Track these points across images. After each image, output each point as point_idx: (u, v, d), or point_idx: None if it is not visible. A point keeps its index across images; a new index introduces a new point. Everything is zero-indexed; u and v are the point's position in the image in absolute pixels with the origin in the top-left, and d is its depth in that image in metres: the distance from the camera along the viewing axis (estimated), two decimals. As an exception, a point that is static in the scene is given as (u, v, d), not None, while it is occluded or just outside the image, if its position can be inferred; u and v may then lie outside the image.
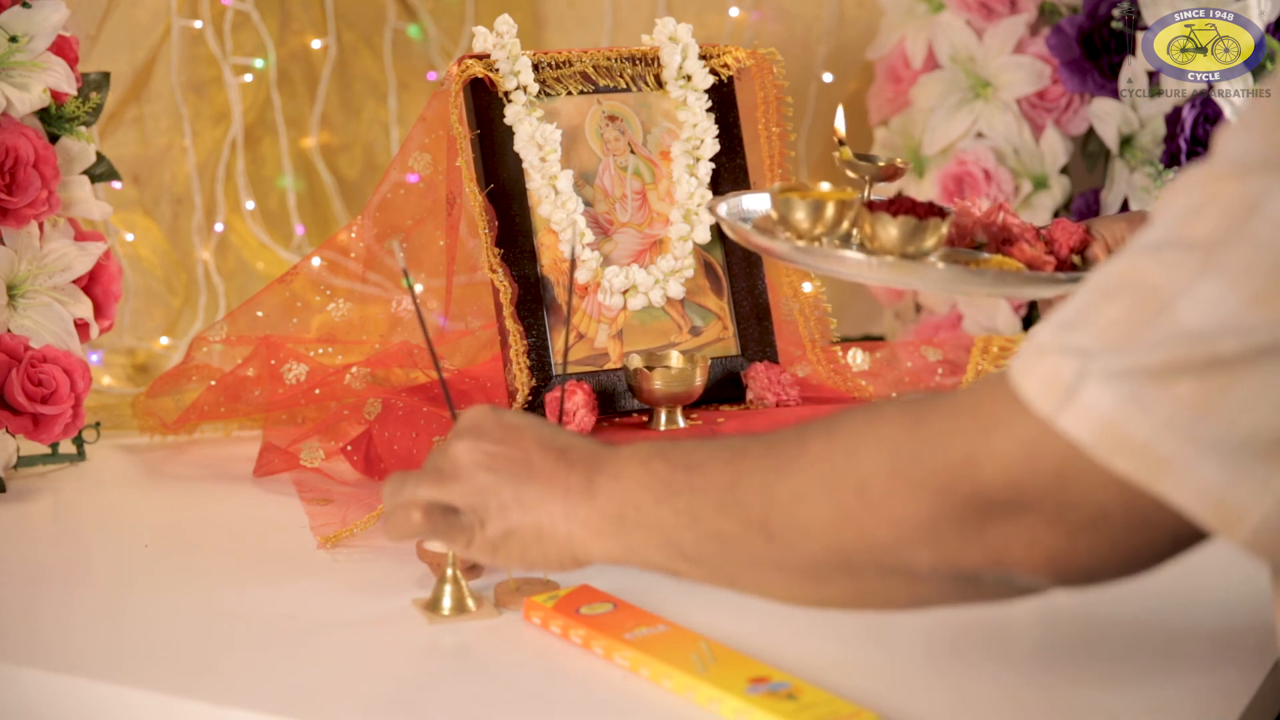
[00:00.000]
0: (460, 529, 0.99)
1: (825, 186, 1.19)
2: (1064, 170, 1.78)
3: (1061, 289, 1.15)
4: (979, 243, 1.21)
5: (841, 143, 1.26)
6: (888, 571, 0.85)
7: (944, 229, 1.15)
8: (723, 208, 1.24)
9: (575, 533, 0.96)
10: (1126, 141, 1.70)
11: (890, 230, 1.14)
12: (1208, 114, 1.64)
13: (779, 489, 0.87)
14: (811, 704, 0.94)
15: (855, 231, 1.19)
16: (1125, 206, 1.70)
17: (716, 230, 1.43)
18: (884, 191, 1.29)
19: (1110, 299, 0.77)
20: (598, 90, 1.43)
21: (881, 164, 1.23)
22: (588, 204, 1.40)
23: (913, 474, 0.82)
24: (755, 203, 1.27)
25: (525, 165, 1.38)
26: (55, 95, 1.46)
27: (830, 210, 1.15)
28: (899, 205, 1.15)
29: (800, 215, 1.15)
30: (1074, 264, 1.19)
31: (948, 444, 0.81)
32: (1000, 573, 0.82)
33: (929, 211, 1.14)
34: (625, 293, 1.39)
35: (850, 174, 1.23)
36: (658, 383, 1.34)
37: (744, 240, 1.21)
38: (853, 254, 1.16)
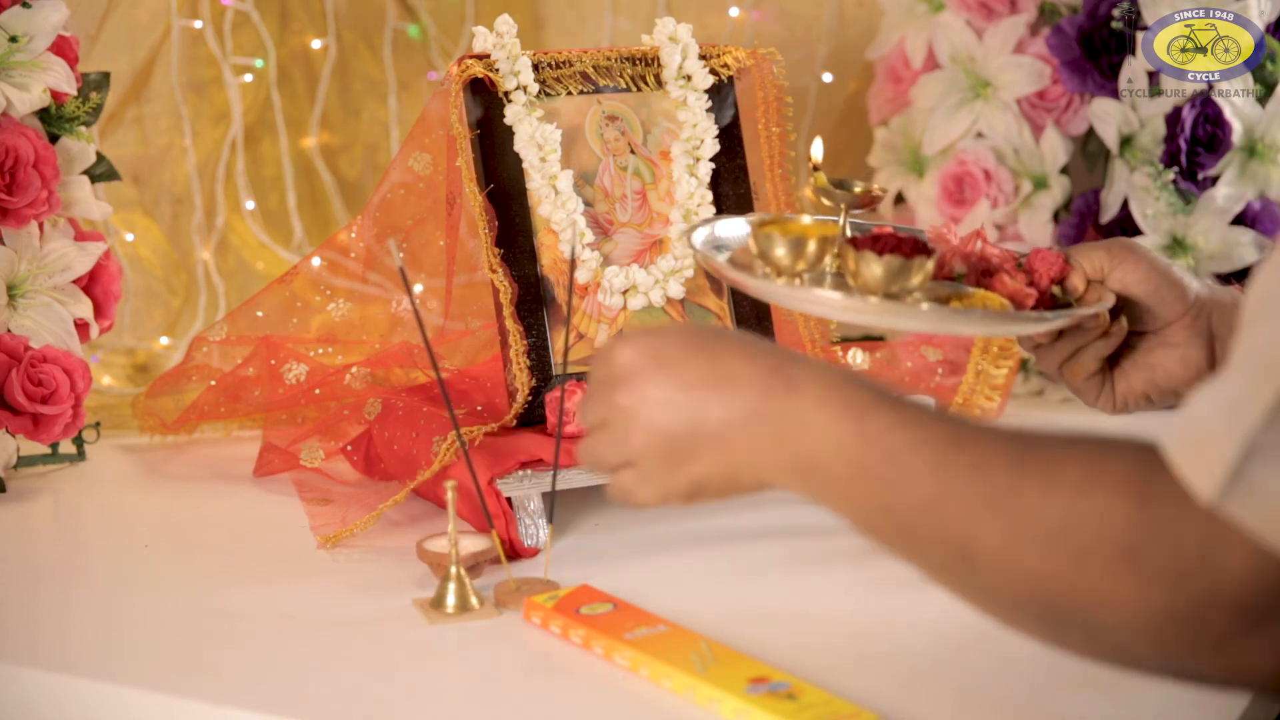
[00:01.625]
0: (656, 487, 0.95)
1: (805, 220, 1.16)
2: (1064, 170, 1.78)
3: (1046, 326, 1.12)
4: (957, 273, 1.18)
5: (816, 169, 1.22)
6: (1094, 638, 0.80)
7: (929, 266, 1.11)
8: (699, 236, 1.20)
9: (763, 472, 0.90)
10: (1126, 141, 1.70)
11: (875, 269, 1.09)
12: (1208, 114, 1.64)
13: (985, 525, 0.81)
14: (811, 704, 0.94)
15: (835, 264, 1.15)
16: (1125, 206, 1.70)
17: (716, 230, 1.43)
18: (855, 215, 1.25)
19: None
20: (598, 90, 1.43)
21: (858, 191, 1.19)
22: (588, 204, 1.40)
23: (1140, 561, 0.75)
24: (731, 229, 1.22)
25: (525, 165, 1.38)
26: (55, 95, 1.46)
27: (812, 247, 1.11)
28: (883, 243, 1.10)
29: (781, 251, 1.11)
30: (1054, 295, 1.17)
31: (1181, 533, 0.74)
32: (1232, 679, 0.77)
33: (914, 248, 1.11)
34: (625, 293, 1.39)
35: (825, 201, 1.18)
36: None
37: (719, 275, 1.16)
38: (835, 295, 1.12)
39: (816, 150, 1.25)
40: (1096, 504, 0.77)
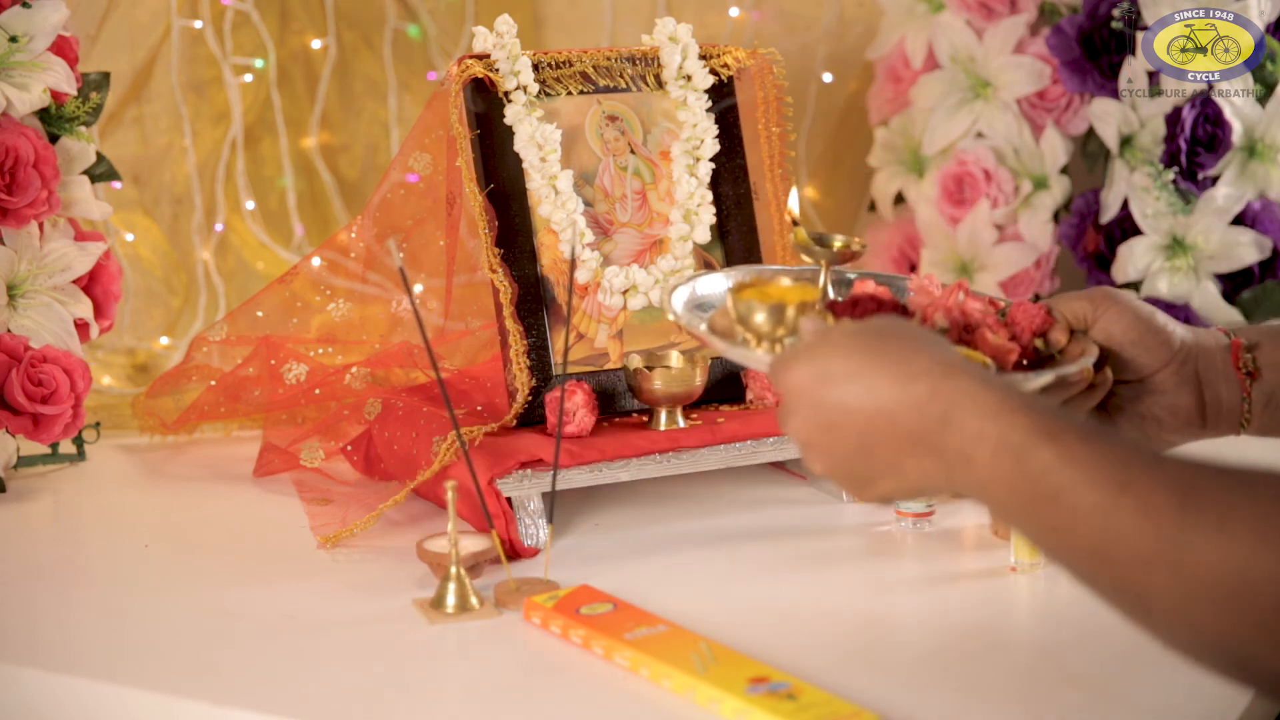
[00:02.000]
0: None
1: (784, 281, 1.11)
2: (1064, 170, 1.78)
3: (1030, 386, 1.11)
4: (940, 328, 1.16)
5: (795, 223, 1.19)
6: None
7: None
8: (678, 298, 1.16)
9: (941, 486, 0.90)
10: (1126, 141, 1.70)
11: None
12: (1208, 114, 1.64)
13: (1157, 575, 0.78)
14: (811, 704, 0.94)
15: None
16: (1125, 206, 1.70)
17: (716, 230, 1.43)
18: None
19: None
20: (598, 90, 1.43)
21: (838, 247, 1.15)
22: (588, 204, 1.40)
23: None
24: (712, 285, 1.18)
25: (525, 165, 1.38)
26: (55, 95, 1.46)
27: (791, 313, 1.07)
28: (863, 307, 1.08)
29: (760, 318, 1.07)
30: (1038, 349, 1.14)
31: None
32: None
33: (893, 310, 1.09)
34: (625, 293, 1.39)
35: (805, 258, 1.15)
36: (658, 383, 1.34)
37: (698, 339, 1.13)
38: None
39: (793, 203, 1.23)
40: (1270, 556, 0.75)
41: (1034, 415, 0.85)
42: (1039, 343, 1.15)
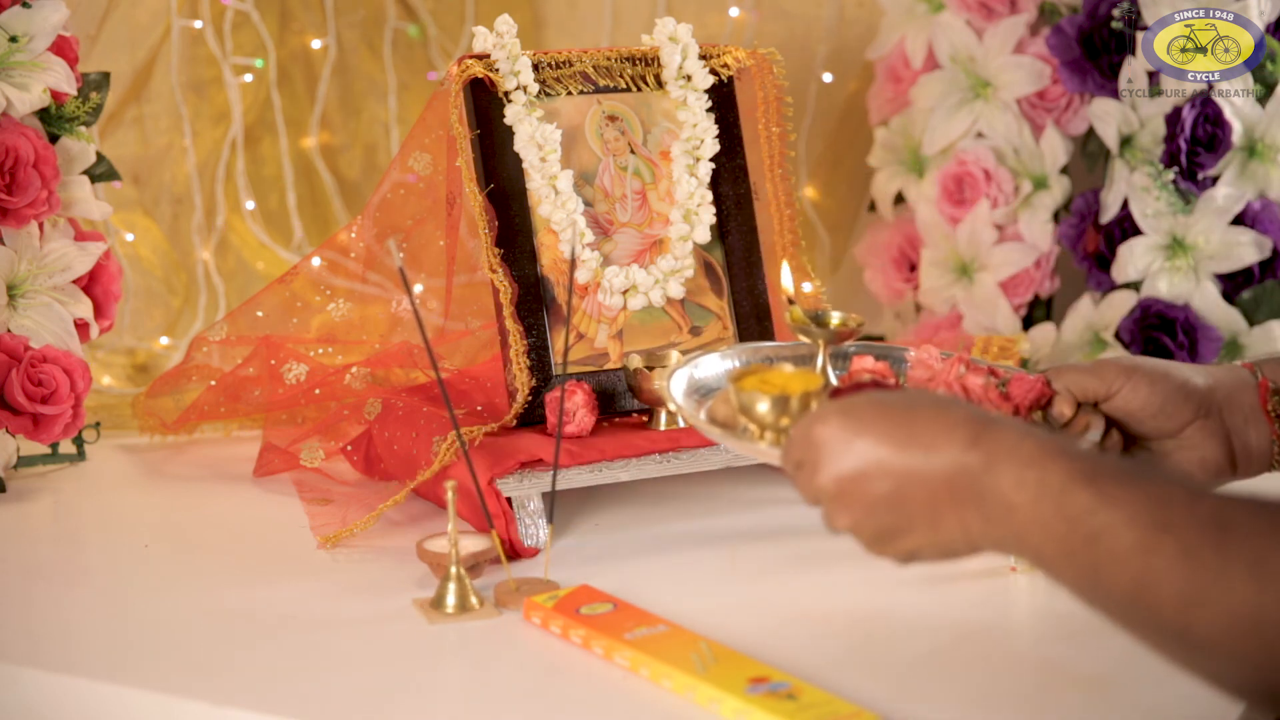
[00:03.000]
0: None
1: (786, 367, 1.09)
2: (1064, 170, 1.78)
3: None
4: None
5: (791, 301, 1.17)
6: None
7: None
8: (677, 385, 1.13)
9: (975, 542, 0.89)
10: (1126, 141, 1.70)
11: None
12: (1208, 114, 1.64)
13: (1198, 615, 0.79)
14: (811, 704, 0.94)
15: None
16: (1125, 206, 1.70)
17: (716, 230, 1.43)
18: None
19: None
20: (598, 90, 1.43)
21: (835, 325, 1.14)
22: (588, 204, 1.40)
23: None
24: (712, 367, 1.17)
25: (525, 165, 1.38)
26: (55, 95, 1.46)
27: (795, 404, 1.05)
28: (866, 391, 1.05)
29: (764, 409, 1.06)
30: (1036, 422, 1.13)
31: None
32: None
33: (897, 390, 1.07)
34: (625, 293, 1.39)
35: (803, 338, 1.14)
36: (658, 383, 1.34)
37: (700, 433, 1.09)
38: None
39: (786, 281, 1.22)
40: None
41: (1072, 459, 0.85)
42: (1038, 415, 1.14)
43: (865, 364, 1.16)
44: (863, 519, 0.92)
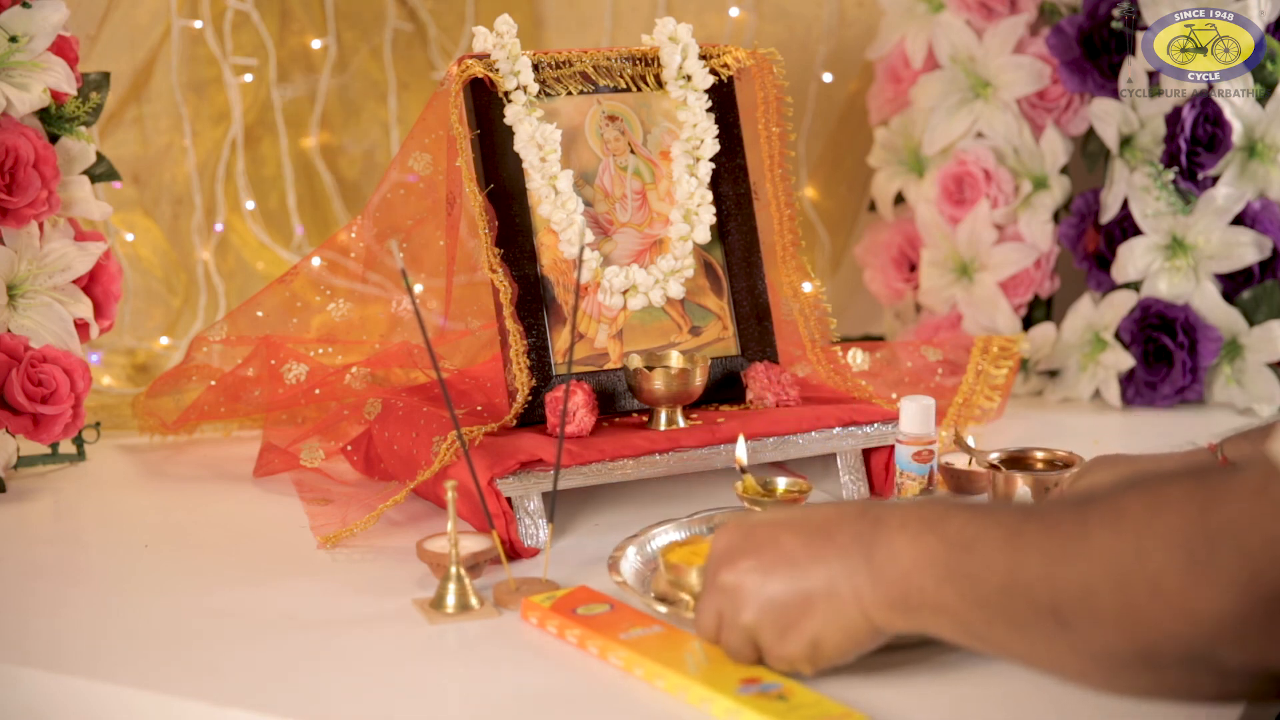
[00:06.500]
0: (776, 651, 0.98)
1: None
2: (1064, 170, 1.78)
3: None
4: None
5: (744, 470, 1.22)
6: (1190, 665, 0.81)
7: None
8: (626, 564, 1.17)
9: (869, 612, 0.93)
10: (1126, 141, 1.70)
11: None
12: (1208, 114, 1.64)
13: (1063, 578, 0.83)
14: (802, 705, 0.95)
15: None
16: (1125, 206, 1.70)
17: (717, 230, 1.43)
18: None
19: None
20: (598, 90, 1.43)
21: (780, 494, 1.21)
22: (588, 204, 1.40)
23: (1210, 568, 0.77)
24: (669, 536, 1.21)
25: (525, 165, 1.38)
26: (55, 95, 1.46)
27: None
28: None
29: (694, 579, 1.09)
30: None
31: (1243, 532, 0.76)
32: None
33: None
34: (625, 293, 1.39)
35: (754, 508, 1.18)
36: (658, 383, 1.34)
37: (645, 609, 1.11)
38: None
39: (740, 452, 1.24)
40: (1160, 525, 0.80)
41: (953, 502, 0.93)
42: None
43: None
44: (764, 609, 0.96)
